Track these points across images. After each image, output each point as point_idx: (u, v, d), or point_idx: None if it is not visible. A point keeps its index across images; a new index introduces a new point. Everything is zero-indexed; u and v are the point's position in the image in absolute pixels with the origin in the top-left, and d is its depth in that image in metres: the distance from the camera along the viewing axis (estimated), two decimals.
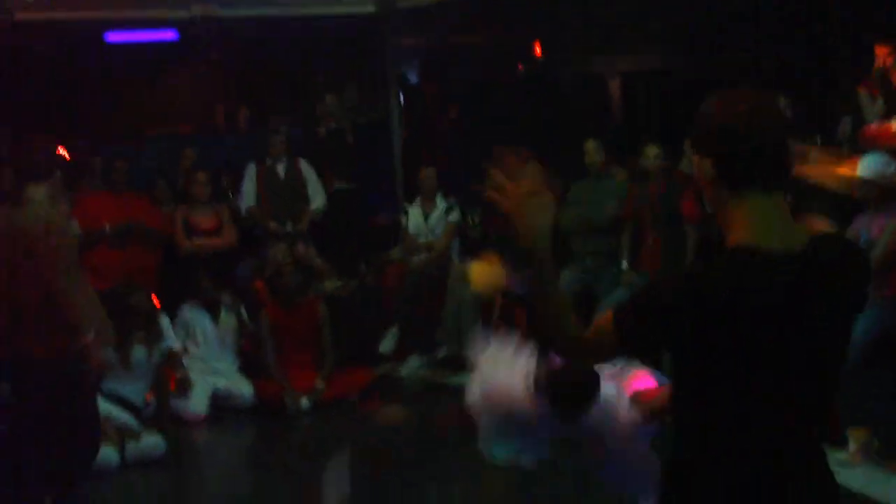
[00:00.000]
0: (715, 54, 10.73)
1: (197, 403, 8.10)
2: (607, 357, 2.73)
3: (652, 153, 8.47)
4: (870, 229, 6.46)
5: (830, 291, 2.36)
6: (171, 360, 7.85)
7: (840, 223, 6.66)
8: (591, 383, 3.56)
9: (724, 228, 2.43)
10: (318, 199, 10.12)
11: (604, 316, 2.45)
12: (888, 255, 6.32)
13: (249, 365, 8.68)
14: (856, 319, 2.46)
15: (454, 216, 9.91)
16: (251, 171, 10.05)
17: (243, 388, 8.44)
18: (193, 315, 8.61)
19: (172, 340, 7.87)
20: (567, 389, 3.58)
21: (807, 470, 2.41)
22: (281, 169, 10.04)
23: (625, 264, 8.62)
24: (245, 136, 11.71)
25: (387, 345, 9.59)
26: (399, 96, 11.68)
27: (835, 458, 6.43)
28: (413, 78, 12.69)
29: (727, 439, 2.37)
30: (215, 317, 8.66)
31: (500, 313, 8.82)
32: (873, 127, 7.78)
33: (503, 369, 3.84)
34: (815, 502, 2.41)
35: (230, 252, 9.57)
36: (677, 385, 2.53)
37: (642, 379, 3.55)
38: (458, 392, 4.19)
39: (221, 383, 8.38)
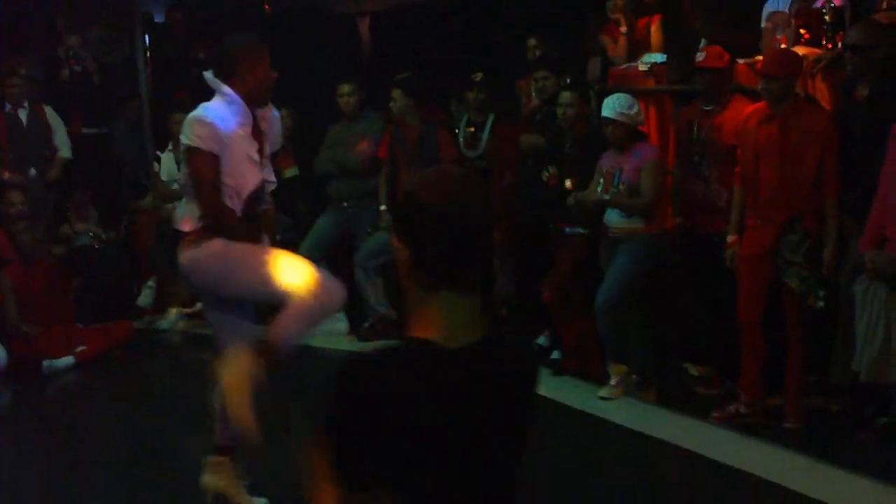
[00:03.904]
0: None
1: None
2: None
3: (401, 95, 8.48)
4: (622, 169, 6.69)
5: (497, 393, 2.07)
6: None
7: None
8: None
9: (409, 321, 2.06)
10: (65, 147, 9.65)
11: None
12: (656, 197, 6.62)
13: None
14: (522, 436, 2.15)
15: None
16: None
17: None
18: None
19: None
20: None
21: None
22: (23, 115, 9.52)
23: (383, 206, 8.62)
24: None
25: (145, 298, 9.36)
26: (144, 36, 11.23)
27: (598, 392, 6.76)
28: (159, 16, 12.25)
29: None
30: None
31: None
32: (620, 68, 8.09)
33: None
34: None
35: None
36: None
37: None
38: None
39: None
